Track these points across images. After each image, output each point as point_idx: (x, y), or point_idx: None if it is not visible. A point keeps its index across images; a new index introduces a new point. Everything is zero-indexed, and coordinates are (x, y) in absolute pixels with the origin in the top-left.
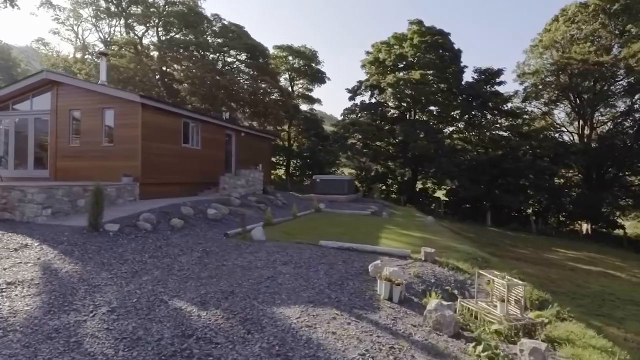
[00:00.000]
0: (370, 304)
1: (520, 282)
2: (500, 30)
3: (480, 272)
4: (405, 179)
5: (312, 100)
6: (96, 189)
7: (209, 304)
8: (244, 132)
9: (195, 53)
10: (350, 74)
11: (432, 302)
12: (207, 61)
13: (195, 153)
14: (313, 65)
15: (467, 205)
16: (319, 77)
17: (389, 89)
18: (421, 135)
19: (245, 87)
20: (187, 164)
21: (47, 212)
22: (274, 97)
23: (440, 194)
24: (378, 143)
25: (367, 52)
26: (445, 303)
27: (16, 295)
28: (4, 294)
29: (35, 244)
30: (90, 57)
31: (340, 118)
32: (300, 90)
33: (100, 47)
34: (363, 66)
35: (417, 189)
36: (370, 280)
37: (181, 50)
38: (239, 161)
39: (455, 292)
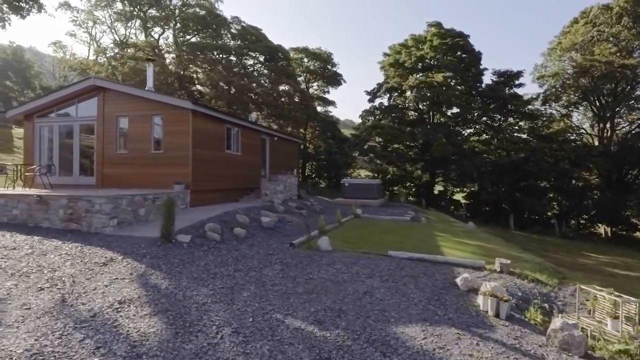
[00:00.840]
0: (482, 321)
1: (632, 298)
2: (510, 32)
3: (583, 287)
4: (423, 181)
5: (327, 102)
6: (168, 201)
7: (326, 323)
8: (276, 137)
9: (218, 56)
10: (357, 77)
11: (557, 320)
12: (231, 64)
13: (236, 159)
14: (329, 67)
15: (486, 208)
16: (335, 80)
17: (411, 91)
18: (443, 138)
19: (269, 90)
20: (230, 170)
21: (114, 222)
22: (296, 100)
23: (459, 196)
24: (396, 145)
25: (385, 54)
26: (570, 322)
27: (134, 315)
28: (121, 313)
29: (119, 258)
30: (105, 59)
31: (358, 120)
32: (316, 92)
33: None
34: (382, 68)
35: (436, 192)
36: (462, 294)
37: (203, 54)
38: (271, 166)
39: (546, 306)
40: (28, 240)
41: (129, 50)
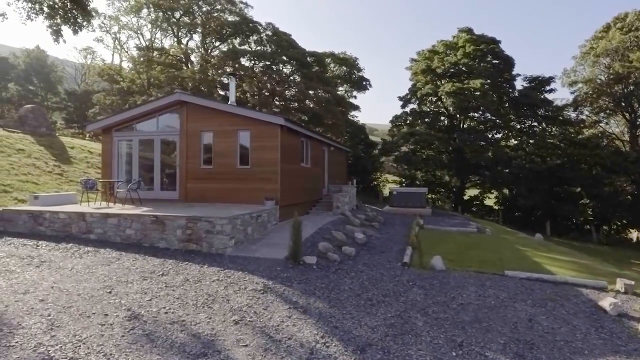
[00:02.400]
0: None
1: None
2: (523, 35)
3: None
4: (451, 186)
5: (353, 107)
6: (295, 222)
7: (524, 357)
8: (332, 146)
9: (253, 63)
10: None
11: None
12: (273, 71)
13: (307, 171)
14: (355, 72)
15: (517, 214)
16: (361, 84)
17: (448, 98)
18: (481, 144)
19: (311, 97)
20: (304, 183)
21: (232, 242)
22: (334, 106)
23: (490, 202)
24: (429, 152)
25: (413, 60)
26: None
27: (340, 351)
28: (331, 349)
29: (270, 283)
30: (129, 64)
31: (389, 126)
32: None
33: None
34: (414, 73)
35: (466, 197)
36: (619, 320)
37: (251, 61)
38: (329, 176)
39: None
40: (166, 265)
41: (155, 54)
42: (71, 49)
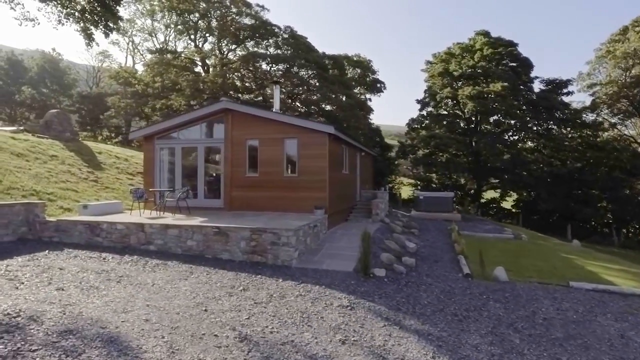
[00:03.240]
0: None
1: None
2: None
3: None
4: (467, 189)
5: (367, 110)
6: (364, 235)
7: None
8: (364, 152)
9: (269, 66)
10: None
11: None
12: (292, 74)
13: (346, 178)
14: (369, 74)
15: (534, 217)
16: (375, 87)
17: (469, 101)
18: (502, 148)
19: (333, 100)
20: (344, 190)
21: (296, 254)
22: (354, 110)
23: (507, 205)
24: (447, 155)
25: (429, 62)
26: None
27: None
28: None
29: (352, 298)
30: (143, 67)
31: (398, 127)
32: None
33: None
34: (431, 76)
35: (483, 200)
36: None
37: (269, 65)
38: (361, 182)
39: None
40: (241, 279)
41: (169, 56)
42: (83, 51)
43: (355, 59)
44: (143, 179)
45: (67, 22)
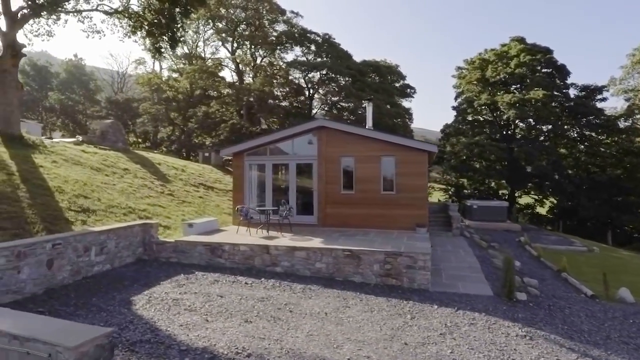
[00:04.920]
0: None
1: None
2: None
3: None
4: (501, 195)
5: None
6: (507, 259)
7: None
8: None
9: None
10: None
11: None
12: (333, 82)
13: None
14: (400, 79)
15: (569, 223)
16: (404, 92)
17: (510, 108)
18: (543, 155)
19: (380, 109)
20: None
21: (430, 277)
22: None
23: (542, 210)
24: (485, 161)
25: (459, 68)
26: None
27: None
28: None
29: (520, 326)
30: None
31: (440, 134)
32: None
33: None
34: (467, 82)
35: (518, 206)
36: None
37: (305, 72)
38: None
39: None
40: (401, 306)
41: (195, 62)
42: (107, 56)
43: (383, 64)
44: (233, 195)
45: (134, 35)
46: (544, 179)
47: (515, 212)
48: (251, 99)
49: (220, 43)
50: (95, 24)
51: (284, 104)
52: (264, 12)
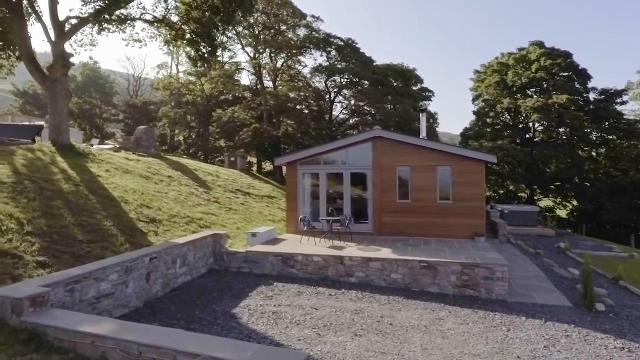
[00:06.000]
0: None
1: None
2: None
3: None
4: (524, 199)
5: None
6: (586, 269)
7: None
8: None
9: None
10: None
11: None
12: (358, 87)
13: None
14: (417, 83)
15: (589, 226)
16: (422, 96)
17: (533, 113)
18: (567, 159)
19: (404, 114)
20: None
21: (507, 288)
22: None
23: (562, 213)
24: (507, 165)
25: (477, 72)
26: None
27: None
28: None
29: (613, 338)
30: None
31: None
32: None
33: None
34: (487, 87)
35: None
36: None
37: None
38: None
39: None
40: (485, 317)
41: (214, 66)
42: (123, 59)
43: (405, 68)
44: (286, 204)
45: (174, 43)
46: (566, 182)
47: (543, 216)
48: (272, 103)
49: (239, 46)
50: (137, 33)
51: (300, 106)
52: (287, 16)
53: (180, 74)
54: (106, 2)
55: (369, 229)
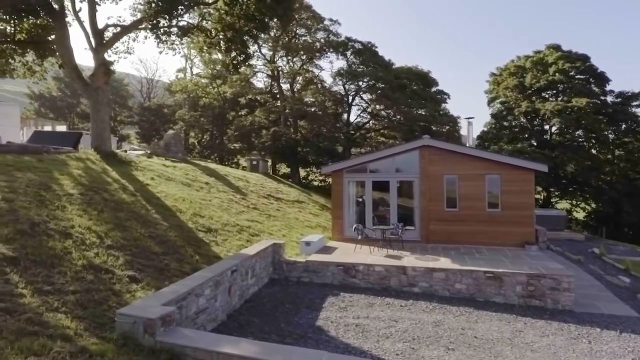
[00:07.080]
0: None
1: None
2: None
3: None
4: (539, 201)
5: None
6: None
7: None
8: None
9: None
10: None
11: None
12: (380, 91)
13: None
14: (433, 86)
15: (604, 228)
16: (439, 99)
17: (554, 116)
18: (586, 162)
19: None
20: None
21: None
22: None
23: (579, 215)
24: None
25: (493, 74)
26: None
27: None
28: None
29: None
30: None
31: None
32: None
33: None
34: (506, 88)
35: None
36: None
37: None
38: None
39: None
40: (560, 328)
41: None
42: (136, 61)
43: (420, 71)
44: (332, 212)
45: (209, 50)
46: (584, 184)
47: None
48: (294, 107)
49: (256, 48)
50: (174, 40)
51: (319, 110)
52: (307, 20)
53: (198, 77)
54: (165, 13)
55: (416, 237)
